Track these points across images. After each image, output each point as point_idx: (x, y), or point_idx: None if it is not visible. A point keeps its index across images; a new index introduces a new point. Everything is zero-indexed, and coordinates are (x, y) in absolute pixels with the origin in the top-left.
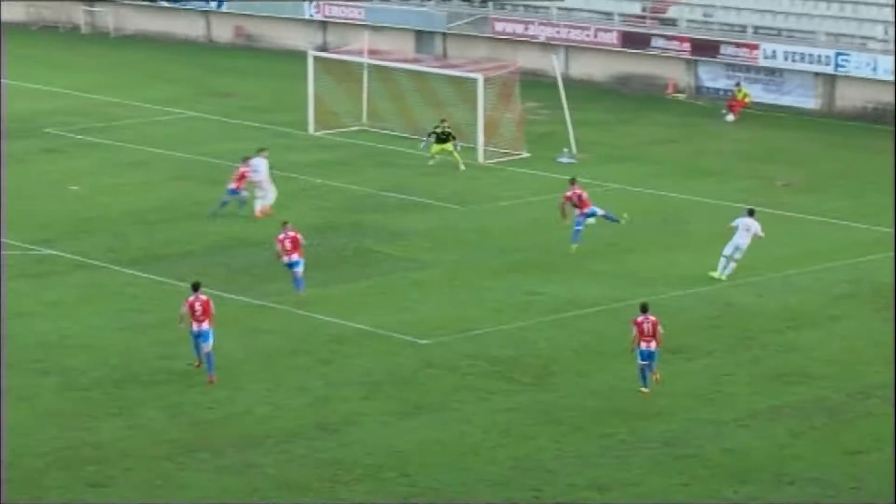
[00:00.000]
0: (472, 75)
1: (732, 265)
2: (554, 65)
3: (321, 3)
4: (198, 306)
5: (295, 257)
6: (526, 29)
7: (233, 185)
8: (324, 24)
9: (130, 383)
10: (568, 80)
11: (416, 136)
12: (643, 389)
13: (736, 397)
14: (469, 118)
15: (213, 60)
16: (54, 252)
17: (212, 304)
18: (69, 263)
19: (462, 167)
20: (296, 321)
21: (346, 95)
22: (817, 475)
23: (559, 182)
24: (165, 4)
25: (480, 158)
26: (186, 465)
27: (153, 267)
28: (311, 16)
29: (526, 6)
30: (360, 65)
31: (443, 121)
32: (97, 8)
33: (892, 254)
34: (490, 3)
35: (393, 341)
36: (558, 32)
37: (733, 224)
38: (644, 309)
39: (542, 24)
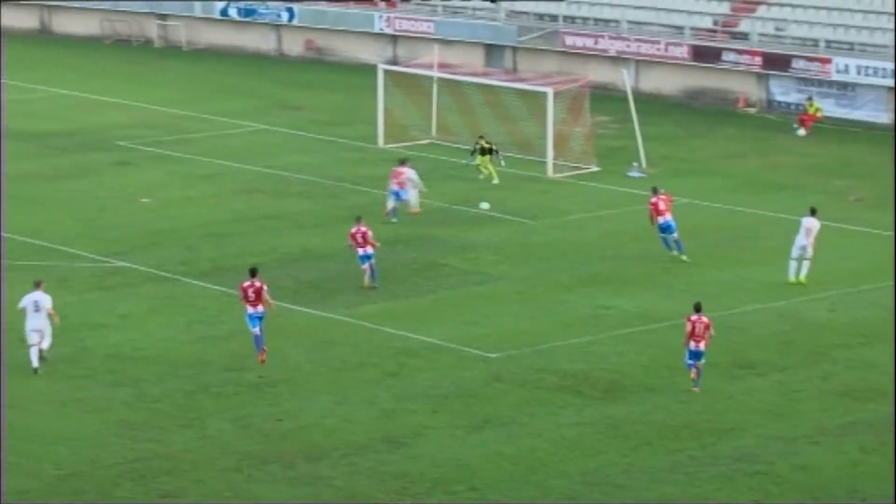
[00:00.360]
0: (541, 89)
1: (806, 264)
2: (624, 79)
3: (391, 16)
4: (251, 292)
5: (369, 250)
6: (596, 43)
7: (395, 187)
8: (394, 38)
9: (201, 395)
10: (638, 94)
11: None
12: (695, 389)
13: (807, 413)
14: (538, 132)
15: (284, 74)
16: (126, 264)
17: (265, 290)
18: (141, 275)
19: (496, 181)
20: (364, 334)
21: (416, 109)
22: (889, 492)
23: (629, 196)
24: (237, 18)
25: (550, 172)
26: (255, 476)
27: (223, 279)
28: (382, 29)
29: (596, 20)
30: (430, 78)
31: (481, 137)
32: (170, 22)
33: (893, 254)
34: (560, 17)
35: (461, 355)
36: (629, 46)
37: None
38: (698, 309)
39: (612, 37)
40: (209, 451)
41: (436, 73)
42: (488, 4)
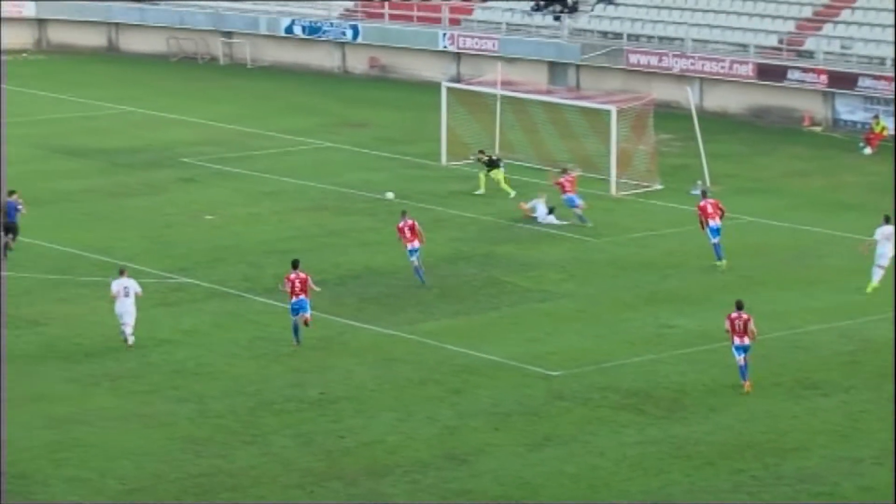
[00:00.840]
0: (605, 107)
1: (880, 272)
2: (688, 97)
3: (455, 34)
4: (297, 283)
5: (416, 244)
6: (660, 61)
7: (570, 193)
8: (457, 56)
9: (264, 411)
10: (702, 113)
11: (548, 168)
12: (744, 384)
13: (872, 434)
14: (602, 150)
15: (348, 91)
16: (190, 280)
17: (310, 279)
18: (205, 292)
19: (512, 194)
20: (426, 351)
21: (479, 126)
22: None
23: (692, 214)
24: (302, 36)
25: (613, 190)
26: (318, 493)
27: (287, 296)
28: (445, 47)
29: (661, 38)
30: (494, 96)
31: (481, 151)
32: (235, 40)
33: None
34: (624, 35)
35: (523, 372)
36: (693, 64)
37: (875, 236)
38: (739, 307)
39: (676, 55)
40: (272, 467)
41: (499, 91)
42: (552, 22)
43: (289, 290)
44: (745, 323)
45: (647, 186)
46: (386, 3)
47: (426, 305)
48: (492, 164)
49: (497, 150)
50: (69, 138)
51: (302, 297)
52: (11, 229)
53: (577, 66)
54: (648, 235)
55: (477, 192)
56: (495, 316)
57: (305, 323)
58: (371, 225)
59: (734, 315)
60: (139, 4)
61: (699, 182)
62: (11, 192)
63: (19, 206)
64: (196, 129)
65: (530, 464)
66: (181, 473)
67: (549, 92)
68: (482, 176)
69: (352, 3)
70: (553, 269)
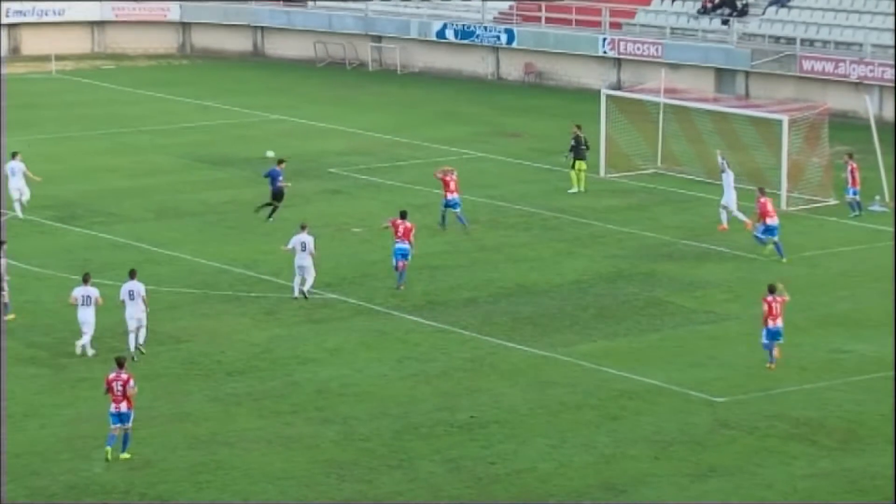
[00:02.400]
0: (776, 116)
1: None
2: (866, 106)
3: (616, 39)
4: (402, 229)
5: (405, 245)
6: (836, 67)
7: (453, 194)
8: (618, 62)
9: (410, 435)
10: (881, 123)
11: (714, 181)
12: (770, 365)
13: None
14: (772, 162)
15: (502, 99)
16: (336, 297)
17: (413, 230)
18: (351, 309)
19: (574, 189)
20: (583, 374)
21: (640, 137)
22: None
23: (870, 232)
24: (454, 40)
25: (784, 205)
26: None
27: (436, 314)
28: (605, 53)
29: (837, 44)
30: (656, 104)
31: (578, 126)
32: (385, 44)
33: (893, 257)
34: (798, 40)
35: (686, 398)
36: (872, 71)
37: None
38: (772, 290)
39: (854, 62)
40: (419, 493)
41: (662, 99)
42: (720, 27)
43: (393, 231)
44: (782, 305)
45: (820, 201)
46: (543, 6)
47: (583, 326)
48: (578, 150)
49: (659, 163)
50: (214, 147)
51: (405, 244)
52: (277, 196)
53: (747, 73)
54: (821, 254)
55: (571, 191)
56: (656, 338)
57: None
58: (525, 240)
59: (770, 298)
60: (286, 7)
61: (877, 197)
62: (280, 161)
63: (281, 177)
64: (343, 137)
65: (693, 496)
66: (325, 498)
67: (716, 100)
68: (572, 174)
69: (507, 6)
70: (718, 290)
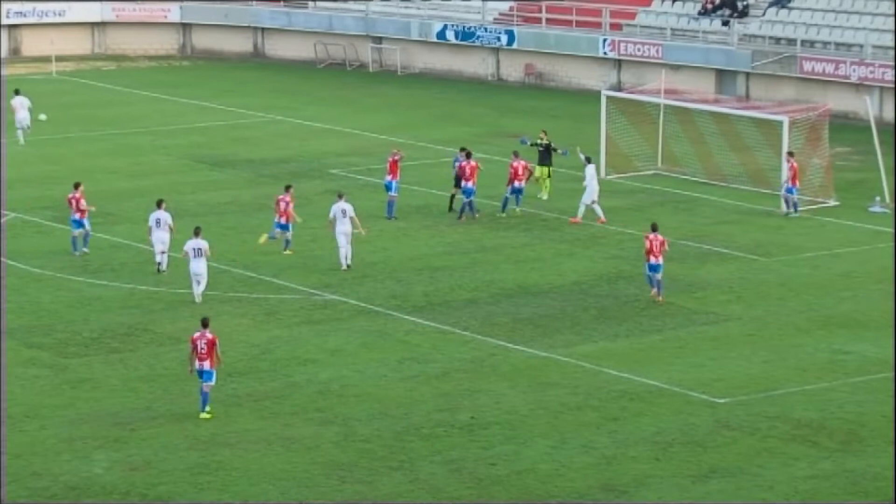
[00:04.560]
0: (777, 117)
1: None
2: (867, 107)
3: (617, 40)
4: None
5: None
6: (837, 69)
7: (392, 177)
8: (618, 63)
9: (411, 436)
10: (882, 124)
11: (715, 182)
12: (653, 293)
13: None
14: (773, 163)
15: (502, 99)
16: (336, 297)
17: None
18: (351, 309)
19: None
20: (583, 375)
21: (641, 138)
22: None
23: (870, 233)
24: (454, 41)
25: (784, 206)
26: None
27: (436, 314)
28: (606, 53)
29: (837, 44)
30: (657, 105)
31: (544, 132)
32: (385, 45)
33: (892, 258)
34: (798, 41)
35: (687, 399)
36: (872, 72)
37: None
38: (654, 228)
39: (854, 63)
40: (419, 495)
41: (663, 100)
42: (720, 28)
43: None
44: (662, 244)
45: (821, 202)
46: (543, 7)
47: (583, 327)
48: (544, 155)
49: (660, 163)
50: (214, 148)
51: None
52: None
53: (747, 74)
54: (822, 255)
55: (541, 196)
56: (657, 339)
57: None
58: (526, 241)
59: (651, 236)
60: (286, 8)
61: (878, 198)
62: (463, 149)
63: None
64: (344, 138)
65: (694, 497)
66: (325, 499)
67: (716, 101)
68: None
69: (507, 7)
70: (720, 290)
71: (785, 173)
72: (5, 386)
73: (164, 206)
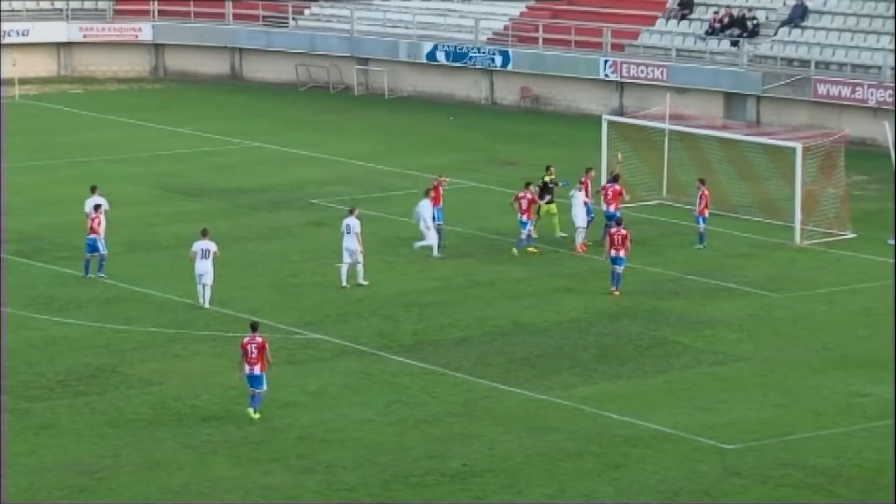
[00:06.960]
0: (789, 144)
1: None
2: (886, 133)
3: (619, 61)
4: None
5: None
6: (853, 92)
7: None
8: (620, 86)
9: (399, 484)
10: None
11: (724, 213)
12: (613, 289)
13: None
14: (785, 193)
15: (496, 124)
16: (319, 336)
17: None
18: (335, 349)
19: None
20: (583, 419)
21: (645, 165)
22: None
23: (890, 267)
24: (445, 63)
25: (798, 238)
26: None
27: (426, 354)
28: (607, 76)
29: (854, 66)
30: (662, 131)
31: (549, 168)
32: (371, 67)
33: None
34: (812, 63)
35: (694, 445)
36: (891, 95)
37: None
38: (619, 222)
39: (872, 85)
40: None
41: (668, 126)
42: (729, 48)
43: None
44: (623, 238)
45: (837, 234)
46: (540, 27)
47: (583, 367)
48: (545, 193)
49: (664, 193)
50: (188, 177)
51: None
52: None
53: (758, 98)
54: (838, 290)
55: (559, 236)
56: (662, 380)
57: None
58: (521, 275)
59: (614, 230)
60: (266, 27)
61: None
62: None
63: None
64: (327, 166)
65: None
66: None
67: (725, 127)
68: (555, 220)
69: (502, 27)
70: (729, 328)
71: (697, 202)
72: (5, 393)
73: (97, 191)
